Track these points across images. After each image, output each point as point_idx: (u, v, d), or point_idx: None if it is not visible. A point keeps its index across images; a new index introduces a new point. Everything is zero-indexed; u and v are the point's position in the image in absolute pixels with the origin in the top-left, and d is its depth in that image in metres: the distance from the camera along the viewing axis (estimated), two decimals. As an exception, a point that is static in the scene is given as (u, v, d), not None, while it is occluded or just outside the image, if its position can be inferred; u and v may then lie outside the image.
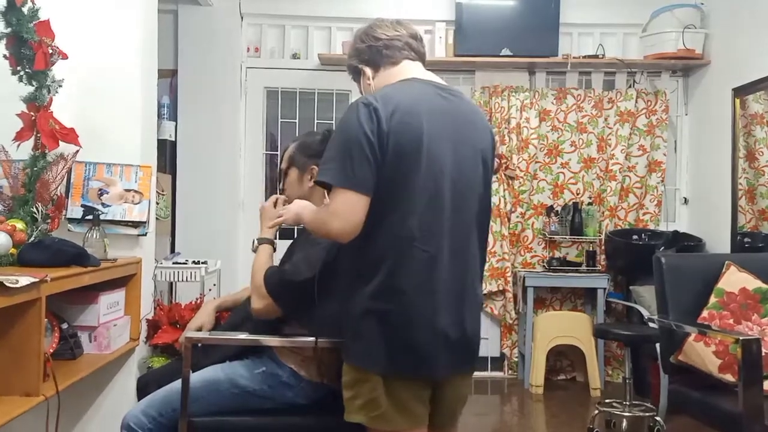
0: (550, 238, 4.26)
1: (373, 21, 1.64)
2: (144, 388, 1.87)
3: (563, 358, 4.27)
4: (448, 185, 1.48)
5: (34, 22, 1.95)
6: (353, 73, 1.67)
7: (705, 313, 2.56)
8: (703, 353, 2.46)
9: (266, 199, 1.92)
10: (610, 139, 4.33)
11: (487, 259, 3.92)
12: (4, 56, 1.99)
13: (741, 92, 3.78)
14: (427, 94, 1.52)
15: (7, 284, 1.44)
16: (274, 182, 4.41)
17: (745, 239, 3.70)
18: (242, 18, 4.27)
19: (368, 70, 1.61)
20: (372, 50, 1.59)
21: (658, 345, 3.34)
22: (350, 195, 1.39)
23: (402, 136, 1.43)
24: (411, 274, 1.43)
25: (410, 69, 1.59)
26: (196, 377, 1.73)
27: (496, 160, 4.07)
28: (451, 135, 1.50)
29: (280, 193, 1.99)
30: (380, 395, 1.43)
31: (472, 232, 1.55)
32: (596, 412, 3.35)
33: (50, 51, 1.99)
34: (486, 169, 1.59)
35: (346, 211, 1.40)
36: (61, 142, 2.10)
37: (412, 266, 1.43)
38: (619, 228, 4.31)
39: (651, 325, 3.54)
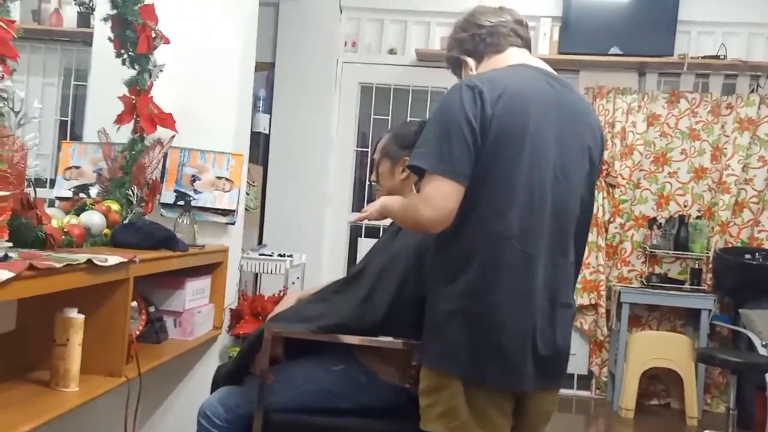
0: (651, 252, 3.98)
1: (473, 8, 1.55)
2: (220, 379, 1.83)
3: (657, 381, 3.98)
4: (550, 181, 1.37)
5: (138, 5, 1.98)
6: (454, 65, 1.57)
7: (837, 347, 2.28)
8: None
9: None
10: (726, 148, 3.97)
11: (581, 270, 3.68)
12: (109, 39, 2.03)
13: None
14: (536, 81, 1.41)
15: (96, 262, 1.44)
16: (362, 181, 4.37)
17: None
18: (341, 11, 4.25)
19: (471, 61, 1.50)
20: (475, 39, 1.49)
21: (768, 374, 3.07)
22: (444, 181, 1.30)
23: (507, 122, 1.33)
24: (506, 273, 1.32)
25: (517, 56, 1.48)
26: (275, 371, 1.68)
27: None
28: (559, 127, 1.39)
29: (371, 185, 1.92)
30: (460, 404, 1.33)
31: (571, 236, 1.43)
32: (694, 444, 3.09)
33: (153, 35, 2.02)
34: (593, 169, 1.47)
35: (439, 197, 1.30)
36: (159, 127, 2.13)
37: (508, 265, 1.32)
38: (730, 245, 3.97)
39: (761, 351, 3.23)
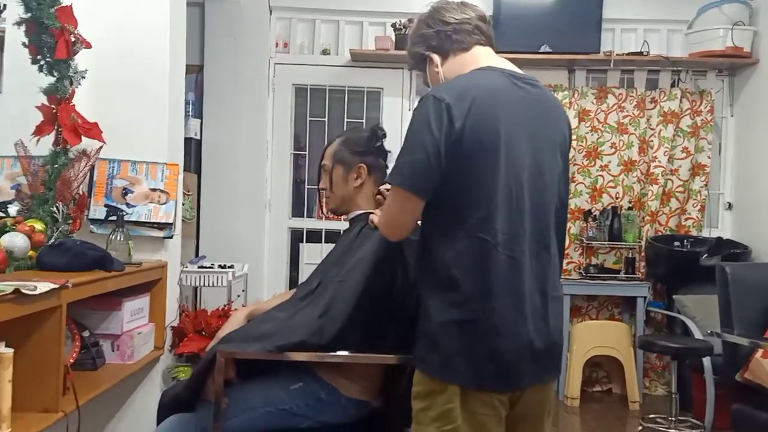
0: (588, 243, 4.09)
1: (437, 3, 1.53)
2: (167, 404, 1.71)
3: (599, 368, 4.10)
4: (527, 183, 1.38)
5: (55, 8, 1.83)
6: (418, 61, 1.55)
7: (773, 328, 2.39)
8: (771, 371, 2.30)
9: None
10: (652, 141, 4.13)
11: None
12: (24, 44, 1.87)
13: (793, 92, 3.58)
14: (503, 84, 1.41)
15: (25, 291, 1.31)
16: (299, 184, 4.27)
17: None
18: (271, 12, 4.14)
19: (436, 58, 1.49)
20: (440, 35, 1.48)
21: (706, 358, 3.20)
22: (401, 193, 1.36)
23: (479, 133, 1.33)
24: (495, 279, 1.33)
25: (482, 55, 1.47)
26: (228, 393, 1.58)
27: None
28: (529, 129, 1.40)
29: (319, 192, 1.85)
30: (455, 407, 1.33)
31: (551, 230, 1.45)
32: (639, 428, 3.19)
33: (73, 39, 1.87)
34: (565, 163, 1.50)
35: (393, 209, 1.40)
36: (83, 138, 1.98)
37: (496, 271, 1.33)
38: (660, 234, 4.12)
39: (698, 336, 3.37)
